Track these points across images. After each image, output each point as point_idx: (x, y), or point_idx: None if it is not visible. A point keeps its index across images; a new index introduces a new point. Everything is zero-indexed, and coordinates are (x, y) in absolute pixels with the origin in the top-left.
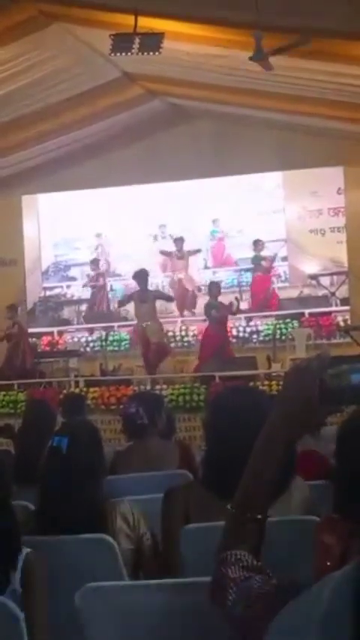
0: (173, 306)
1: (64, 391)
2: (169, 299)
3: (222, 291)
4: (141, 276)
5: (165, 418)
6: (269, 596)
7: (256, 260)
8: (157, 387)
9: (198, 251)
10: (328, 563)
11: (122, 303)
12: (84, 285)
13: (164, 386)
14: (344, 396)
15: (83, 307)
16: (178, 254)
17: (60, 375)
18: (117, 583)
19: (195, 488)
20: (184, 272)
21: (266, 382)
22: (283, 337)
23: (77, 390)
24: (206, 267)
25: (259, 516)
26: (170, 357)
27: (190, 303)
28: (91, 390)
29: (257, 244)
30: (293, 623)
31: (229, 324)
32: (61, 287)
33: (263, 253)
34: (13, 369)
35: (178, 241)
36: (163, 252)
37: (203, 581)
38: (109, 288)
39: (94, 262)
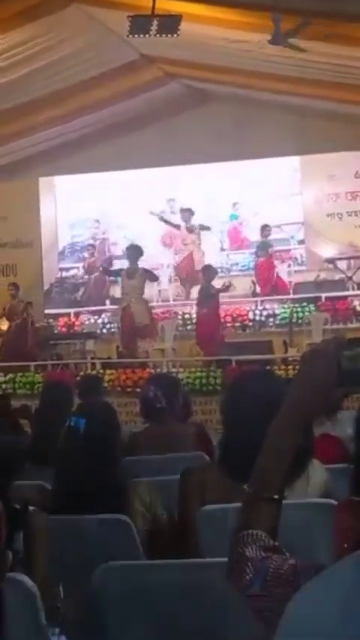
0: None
1: (81, 373)
2: (152, 278)
3: (238, 273)
4: (133, 251)
5: (181, 401)
6: (287, 575)
7: (264, 246)
8: (174, 369)
9: (208, 228)
10: (345, 545)
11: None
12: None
13: (180, 369)
14: None
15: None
16: (187, 226)
17: (76, 357)
18: (135, 562)
19: (212, 469)
20: (197, 248)
21: (282, 367)
22: (300, 322)
23: (94, 373)
24: (222, 250)
25: (276, 497)
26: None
27: (190, 284)
28: (108, 372)
29: (264, 230)
30: (315, 600)
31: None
32: (77, 268)
33: (271, 238)
34: (16, 349)
35: (186, 212)
36: (168, 223)
37: (220, 561)
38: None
39: (91, 247)
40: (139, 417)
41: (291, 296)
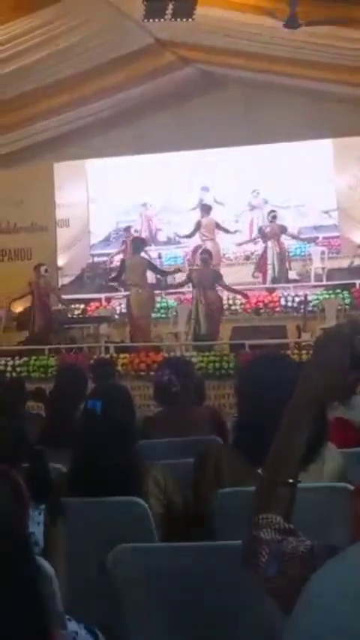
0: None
1: (94, 357)
2: (162, 273)
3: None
4: (136, 242)
5: (195, 384)
6: (304, 557)
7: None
8: (187, 353)
9: (227, 230)
10: None
11: (116, 278)
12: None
13: (194, 353)
14: None
15: None
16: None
17: (90, 341)
18: (149, 545)
19: (226, 453)
20: (212, 242)
21: (296, 351)
22: (310, 307)
23: (107, 356)
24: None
25: (291, 480)
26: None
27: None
28: (121, 356)
29: (270, 215)
30: (331, 582)
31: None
32: (109, 253)
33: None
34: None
35: (206, 207)
36: (204, 207)
37: (235, 544)
38: (156, 256)
39: (127, 230)
40: (153, 400)
41: (325, 282)
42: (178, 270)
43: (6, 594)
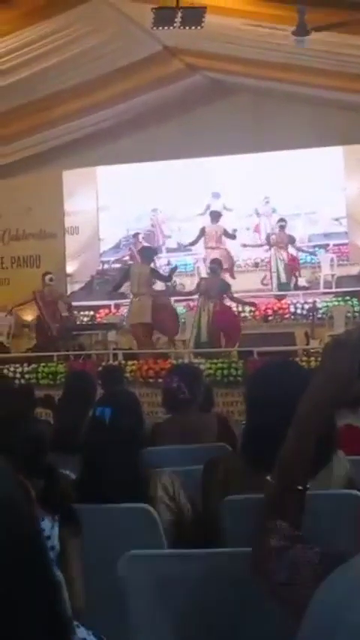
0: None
1: (103, 364)
2: (166, 279)
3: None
4: (146, 251)
5: (204, 391)
6: (313, 564)
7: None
8: (195, 360)
9: (233, 236)
10: None
11: (117, 286)
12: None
13: (202, 360)
14: None
15: None
16: (217, 227)
17: (98, 347)
18: (158, 551)
19: (235, 459)
20: (219, 250)
21: (304, 358)
22: (320, 315)
23: (115, 363)
24: (259, 245)
25: (299, 487)
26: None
27: (216, 293)
28: (129, 362)
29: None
30: (341, 589)
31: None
32: (119, 260)
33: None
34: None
35: (215, 214)
36: (213, 214)
37: (244, 551)
38: (166, 263)
39: (135, 236)
40: (161, 407)
41: (334, 289)
42: (176, 269)
43: (23, 597)
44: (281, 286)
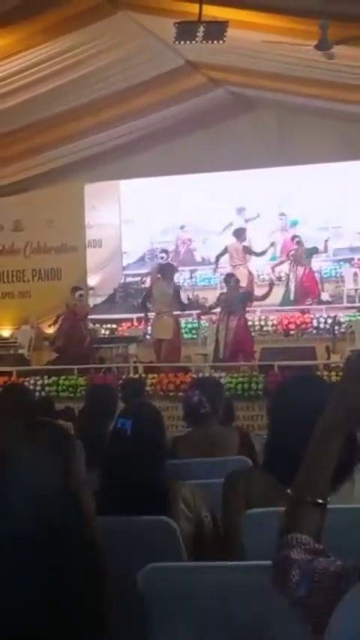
0: None
1: (123, 377)
2: (183, 308)
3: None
4: (167, 268)
5: (225, 405)
6: (335, 578)
7: (310, 254)
8: (215, 374)
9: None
10: None
11: (142, 304)
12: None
13: (222, 374)
14: None
15: None
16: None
17: (119, 361)
18: (179, 564)
19: (256, 473)
20: (243, 267)
21: (325, 373)
22: (343, 329)
23: (136, 376)
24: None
25: (320, 501)
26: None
27: (237, 307)
28: (150, 376)
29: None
30: None
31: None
32: (142, 274)
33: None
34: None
35: (241, 232)
36: (237, 231)
37: (264, 564)
38: (189, 277)
39: (164, 251)
40: (182, 420)
41: (357, 304)
42: (197, 302)
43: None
44: (284, 302)
